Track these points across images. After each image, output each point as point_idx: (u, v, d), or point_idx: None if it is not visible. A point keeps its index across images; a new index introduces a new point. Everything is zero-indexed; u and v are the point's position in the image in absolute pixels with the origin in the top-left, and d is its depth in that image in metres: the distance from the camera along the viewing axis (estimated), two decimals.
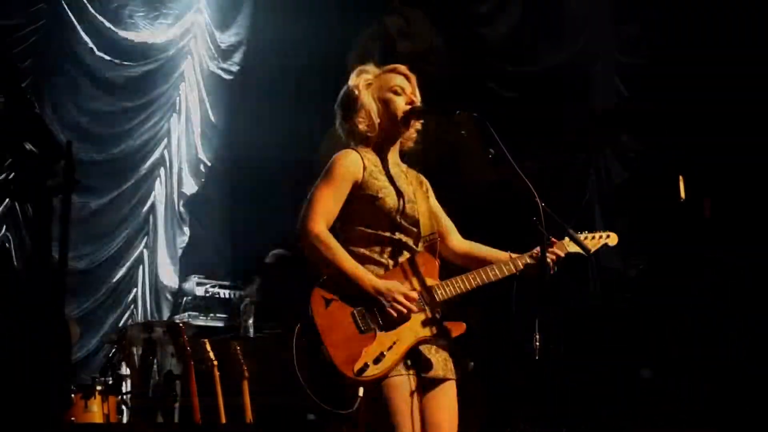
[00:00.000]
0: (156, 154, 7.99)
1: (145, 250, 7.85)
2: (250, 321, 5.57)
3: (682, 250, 5.41)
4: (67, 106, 7.43)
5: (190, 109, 8.17)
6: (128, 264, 7.71)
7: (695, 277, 5.34)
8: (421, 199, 2.77)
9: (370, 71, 2.82)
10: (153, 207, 7.95)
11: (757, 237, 5.16)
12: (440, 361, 2.60)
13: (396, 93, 2.76)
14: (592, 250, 2.86)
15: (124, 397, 5.06)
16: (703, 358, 5.11)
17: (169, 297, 7.70)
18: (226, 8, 8.23)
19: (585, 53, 6.27)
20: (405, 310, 2.51)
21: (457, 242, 2.90)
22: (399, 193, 2.69)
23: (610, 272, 5.46)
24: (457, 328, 2.61)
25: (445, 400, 2.61)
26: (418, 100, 2.78)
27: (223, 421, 4.35)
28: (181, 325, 4.61)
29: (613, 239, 2.94)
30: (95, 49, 7.57)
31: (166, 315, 7.44)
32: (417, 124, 2.81)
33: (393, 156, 2.81)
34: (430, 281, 2.64)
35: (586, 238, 2.88)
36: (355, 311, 2.50)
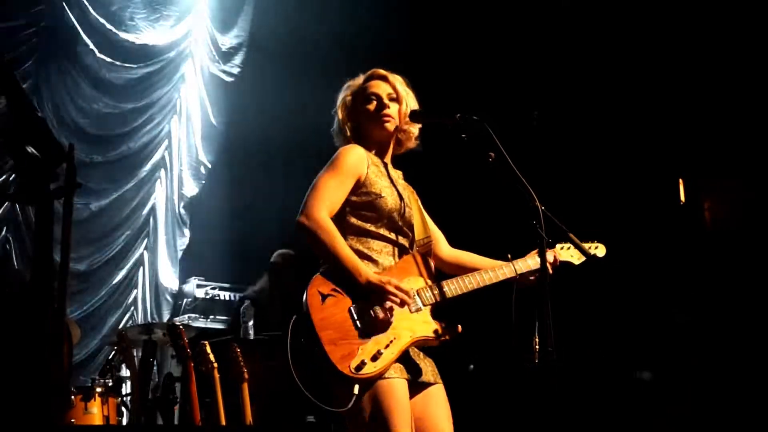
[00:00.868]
0: (156, 156, 8.00)
1: (145, 252, 7.86)
2: (251, 323, 5.57)
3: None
4: (68, 107, 7.45)
5: (191, 111, 8.18)
6: (128, 266, 7.72)
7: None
8: (413, 204, 2.81)
9: (352, 85, 2.87)
10: (153, 209, 7.96)
11: None
12: (428, 366, 2.62)
13: (370, 101, 2.79)
14: (577, 263, 2.89)
15: (124, 398, 5.06)
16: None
17: (169, 299, 7.70)
18: (226, 10, 8.24)
19: None
20: (399, 302, 2.50)
21: (446, 250, 2.93)
22: (399, 196, 2.71)
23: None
24: (452, 331, 2.61)
25: (441, 404, 2.62)
26: (398, 95, 2.79)
27: (223, 422, 4.35)
28: (181, 326, 4.60)
29: (601, 250, 2.94)
30: (96, 50, 7.59)
31: (166, 317, 7.45)
32: (414, 128, 2.82)
33: (388, 160, 2.84)
34: (426, 281, 2.65)
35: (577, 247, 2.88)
36: (351, 307, 2.49)
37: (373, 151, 2.79)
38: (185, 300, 7.02)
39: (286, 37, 7.52)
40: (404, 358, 2.53)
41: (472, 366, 5.58)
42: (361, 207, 2.65)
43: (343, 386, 2.42)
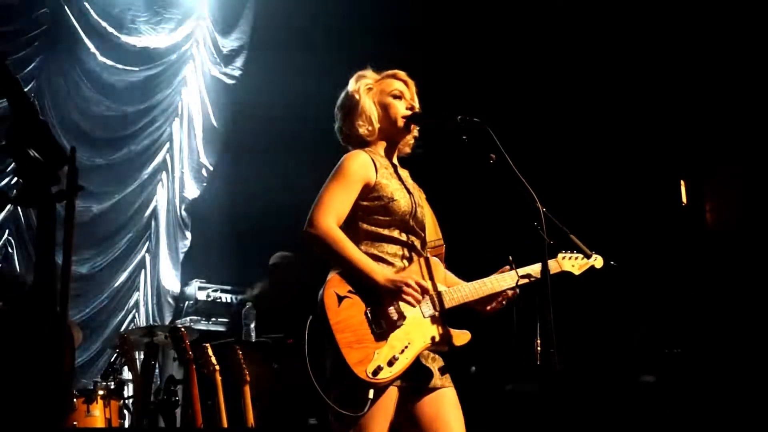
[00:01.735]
0: (158, 159, 8.01)
1: (146, 255, 7.86)
2: (252, 325, 5.57)
3: None
4: (70, 110, 7.46)
5: (192, 114, 8.19)
6: (130, 268, 7.72)
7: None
8: (425, 205, 2.79)
9: (369, 76, 2.83)
10: (155, 211, 7.96)
11: None
12: (437, 369, 2.59)
13: (396, 97, 2.78)
14: (578, 273, 2.84)
15: (126, 401, 5.06)
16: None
17: (170, 301, 7.70)
18: (227, 13, 8.25)
19: None
20: (420, 296, 2.49)
21: None
22: (411, 196, 2.69)
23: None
24: (463, 337, 2.60)
25: (452, 407, 2.59)
26: (417, 105, 2.80)
27: (225, 425, 4.35)
28: (182, 329, 4.60)
29: (599, 262, 2.88)
30: (98, 53, 7.60)
31: (167, 319, 7.45)
32: (415, 131, 2.82)
33: (395, 160, 2.82)
34: (439, 286, 2.63)
35: (576, 257, 2.84)
36: (368, 311, 2.47)
37: (383, 152, 2.77)
38: (187, 302, 7.02)
39: (287, 39, 7.52)
40: (414, 363, 2.51)
41: (474, 368, 5.57)
42: (373, 212, 2.62)
43: (359, 390, 2.41)
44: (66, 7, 7.42)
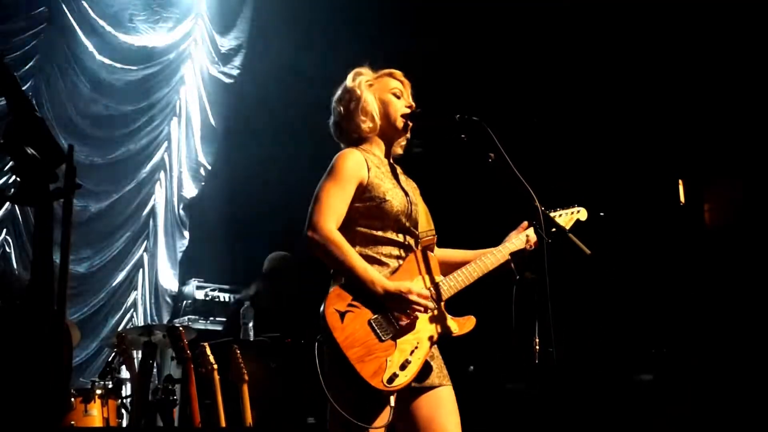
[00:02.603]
0: (156, 158, 8.01)
1: (144, 254, 7.86)
2: (250, 324, 5.56)
3: None
4: (68, 109, 7.45)
5: (191, 113, 8.18)
6: (128, 267, 7.72)
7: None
8: (418, 200, 2.78)
9: (367, 73, 2.82)
10: (153, 210, 7.96)
11: None
12: (436, 368, 2.58)
13: (396, 96, 2.77)
14: (568, 227, 2.84)
15: (124, 400, 5.05)
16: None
17: (168, 300, 7.70)
18: (226, 12, 8.25)
19: None
20: (422, 309, 2.48)
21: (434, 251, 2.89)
22: (406, 195, 2.68)
23: None
24: (468, 323, 2.60)
25: (449, 405, 2.58)
26: (414, 106, 2.79)
27: (223, 424, 4.34)
28: (180, 328, 4.59)
29: (583, 214, 2.93)
30: (96, 52, 7.60)
31: (165, 318, 7.44)
32: (409, 132, 2.82)
33: (391, 159, 2.82)
34: (434, 278, 2.62)
35: (560, 215, 2.89)
36: (371, 320, 2.45)
37: (377, 150, 2.76)
38: (185, 302, 7.01)
39: (285, 38, 7.52)
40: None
41: (471, 367, 5.57)
42: (367, 214, 2.60)
43: (378, 401, 2.41)
44: (64, 6, 7.41)
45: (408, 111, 2.75)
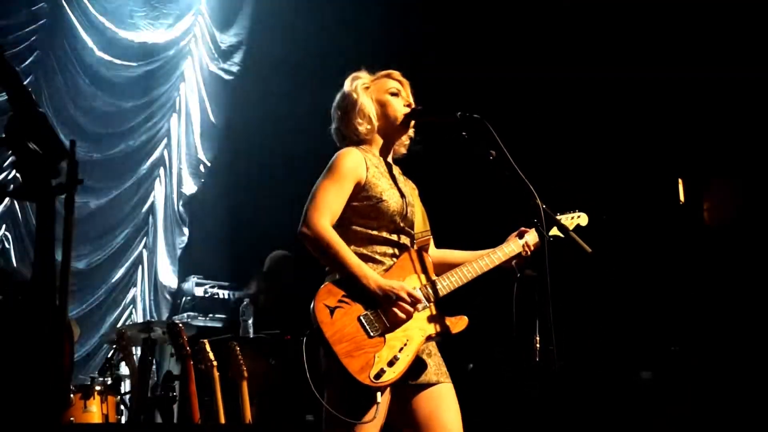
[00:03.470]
0: (156, 154, 8.00)
1: (144, 250, 7.86)
2: (250, 321, 5.56)
3: None
4: (67, 105, 7.45)
5: (190, 109, 8.18)
6: (127, 264, 7.72)
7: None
8: (416, 200, 2.79)
9: (364, 76, 2.83)
10: (152, 207, 7.95)
11: None
12: (433, 366, 2.59)
13: (393, 95, 2.78)
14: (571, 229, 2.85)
15: (123, 397, 5.06)
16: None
17: (168, 297, 7.70)
18: (226, 8, 8.24)
19: None
20: (412, 310, 2.49)
21: (432, 251, 2.89)
22: (402, 196, 2.69)
23: None
24: (460, 323, 2.61)
25: (448, 402, 2.58)
26: (413, 104, 2.80)
27: (223, 421, 4.34)
28: (180, 325, 4.60)
29: (584, 219, 2.94)
30: (95, 48, 7.59)
31: (165, 315, 7.44)
32: (411, 130, 2.82)
33: (389, 159, 2.82)
34: (428, 277, 2.63)
35: (561, 220, 2.87)
36: (361, 316, 2.46)
37: (377, 151, 2.76)
38: (184, 298, 7.01)
39: (285, 35, 7.51)
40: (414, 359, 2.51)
41: (471, 365, 5.57)
42: (363, 213, 2.61)
43: (366, 397, 2.41)
44: (64, 2, 7.40)
45: (408, 110, 2.76)
